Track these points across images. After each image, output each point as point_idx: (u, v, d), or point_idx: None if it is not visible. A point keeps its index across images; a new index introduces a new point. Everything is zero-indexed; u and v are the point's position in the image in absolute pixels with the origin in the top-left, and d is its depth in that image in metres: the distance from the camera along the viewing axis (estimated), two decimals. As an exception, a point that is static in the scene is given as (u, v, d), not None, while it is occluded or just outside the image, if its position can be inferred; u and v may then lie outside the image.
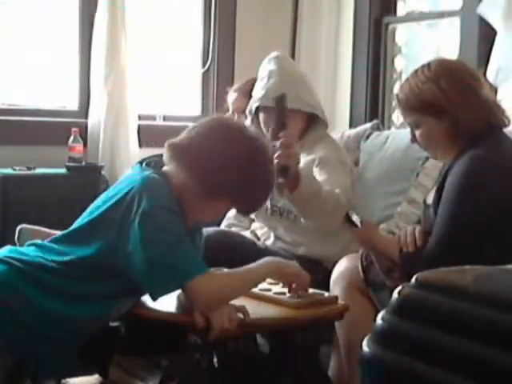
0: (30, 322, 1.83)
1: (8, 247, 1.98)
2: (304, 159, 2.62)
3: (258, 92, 2.77)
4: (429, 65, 2.22)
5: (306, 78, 2.89)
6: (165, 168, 1.96)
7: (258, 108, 2.77)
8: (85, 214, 1.95)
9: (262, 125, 2.75)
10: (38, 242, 1.98)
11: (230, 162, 1.89)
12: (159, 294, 1.84)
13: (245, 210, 2.10)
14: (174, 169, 1.93)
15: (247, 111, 2.85)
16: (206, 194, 1.91)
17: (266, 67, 2.78)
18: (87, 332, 1.92)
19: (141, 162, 1.99)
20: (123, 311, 1.97)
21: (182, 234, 1.85)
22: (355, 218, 2.41)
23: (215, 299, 1.84)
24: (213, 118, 2.07)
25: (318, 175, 2.62)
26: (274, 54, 2.82)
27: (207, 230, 2.63)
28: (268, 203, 2.71)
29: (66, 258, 1.87)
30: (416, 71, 2.24)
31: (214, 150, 1.90)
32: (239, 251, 2.48)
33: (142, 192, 1.83)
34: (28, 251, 1.92)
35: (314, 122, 2.79)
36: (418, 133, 2.24)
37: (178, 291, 1.96)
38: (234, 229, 2.88)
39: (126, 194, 1.85)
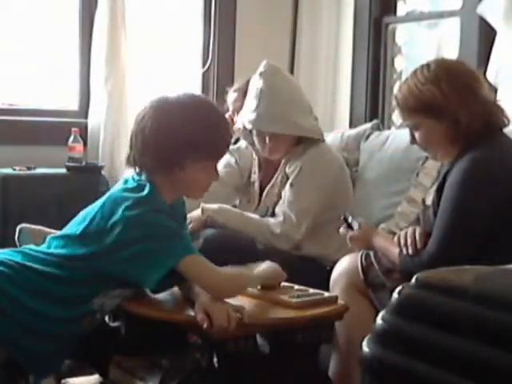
0: (21, 320, 1.88)
1: None
2: (289, 169, 2.77)
3: (249, 112, 2.79)
4: (428, 65, 2.21)
5: (296, 93, 2.86)
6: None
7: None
8: (76, 220, 2.01)
9: (256, 143, 2.83)
10: (29, 247, 2.03)
11: (167, 132, 1.95)
12: (151, 281, 1.91)
13: (213, 154, 2.06)
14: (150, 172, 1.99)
15: (239, 126, 2.87)
16: (169, 166, 1.96)
17: (256, 84, 2.80)
18: (77, 330, 1.96)
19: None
20: (111, 308, 2.01)
21: (174, 228, 1.93)
22: (351, 220, 2.41)
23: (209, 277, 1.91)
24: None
25: (287, 191, 2.73)
26: (262, 67, 2.82)
27: (207, 232, 2.65)
28: (269, 210, 2.81)
29: (54, 257, 1.94)
30: (415, 72, 2.23)
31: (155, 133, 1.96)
32: (238, 252, 2.48)
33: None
34: (17, 254, 1.97)
35: (306, 138, 2.80)
36: (417, 134, 2.23)
37: (176, 291, 1.99)
38: None
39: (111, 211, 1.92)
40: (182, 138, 1.95)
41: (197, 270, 1.91)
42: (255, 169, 2.92)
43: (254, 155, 2.92)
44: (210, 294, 1.89)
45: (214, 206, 2.73)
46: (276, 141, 2.77)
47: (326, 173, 2.79)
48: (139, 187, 1.96)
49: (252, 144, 2.89)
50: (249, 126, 2.81)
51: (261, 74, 2.80)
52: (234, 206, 2.98)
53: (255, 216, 2.77)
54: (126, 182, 2.03)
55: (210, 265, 1.92)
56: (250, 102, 2.82)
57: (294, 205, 2.71)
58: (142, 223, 1.88)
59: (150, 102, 2.02)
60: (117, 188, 2.02)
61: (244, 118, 2.84)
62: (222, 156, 2.09)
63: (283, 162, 2.81)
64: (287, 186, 2.75)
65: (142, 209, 1.89)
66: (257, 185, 2.89)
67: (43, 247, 2.00)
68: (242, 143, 2.96)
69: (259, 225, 2.71)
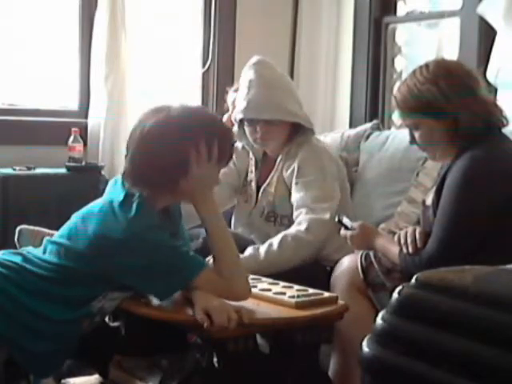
0: (21, 319, 1.88)
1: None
2: (286, 172, 2.75)
3: (240, 103, 2.79)
4: (426, 66, 2.22)
5: (287, 83, 2.88)
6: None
7: (242, 118, 2.82)
8: (69, 225, 2.00)
9: (247, 135, 2.82)
10: (27, 249, 2.04)
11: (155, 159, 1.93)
12: (166, 296, 1.95)
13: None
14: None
15: (232, 119, 2.89)
16: (165, 184, 1.95)
17: (247, 75, 2.80)
18: (77, 331, 1.96)
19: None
20: (110, 309, 2.01)
21: (174, 242, 1.96)
22: (346, 221, 2.41)
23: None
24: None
25: (294, 192, 2.71)
26: (253, 60, 2.82)
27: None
28: (265, 209, 2.81)
29: (50, 265, 1.94)
30: (414, 72, 2.24)
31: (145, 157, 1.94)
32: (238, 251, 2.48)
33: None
34: (15, 255, 1.98)
35: (298, 128, 2.80)
36: (417, 134, 2.24)
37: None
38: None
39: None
40: (179, 157, 1.93)
41: (211, 285, 1.93)
42: (252, 168, 2.92)
43: (251, 155, 2.92)
44: (229, 300, 1.91)
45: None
46: (267, 129, 2.75)
47: (326, 164, 2.78)
48: (128, 199, 1.93)
49: (248, 144, 2.89)
50: (239, 116, 2.79)
51: (250, 65, 2.80)
52: (233, 207, 2.98)
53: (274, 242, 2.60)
54: (115, 183, 2.02)
55: (219, 277, 1.94)
56: (241, 92, 2.81)
57: (306, 197, 2.68)
58: (144, 249, 1.88)
59: (145, 116, 1.99)
60: (106, 198, 2.00)
61: (235, 110, 2.83)
62: (224, 166, 2.07)
63: (279, 160, 2.81)
64: (293, 186, 2.73)
65: (139, 234, 1.87)
66: (254, 184, 2.89)
67: (40, 250, 1.99)
68: (238, 144, 2.97)
69: (286, 246, 2.56)
